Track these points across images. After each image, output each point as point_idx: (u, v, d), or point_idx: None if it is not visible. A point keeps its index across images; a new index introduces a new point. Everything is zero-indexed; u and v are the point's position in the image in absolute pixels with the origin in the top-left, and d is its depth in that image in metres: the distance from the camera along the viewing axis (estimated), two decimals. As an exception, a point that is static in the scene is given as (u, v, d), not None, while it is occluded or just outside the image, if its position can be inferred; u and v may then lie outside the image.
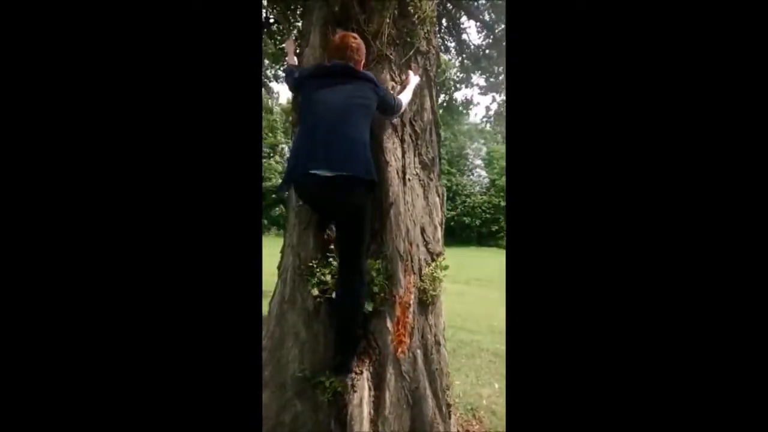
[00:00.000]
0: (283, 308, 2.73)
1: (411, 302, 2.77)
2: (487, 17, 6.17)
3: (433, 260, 3.04)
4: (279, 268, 2.96)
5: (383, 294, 2.70)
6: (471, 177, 33.52)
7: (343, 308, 2.63)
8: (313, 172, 2.38)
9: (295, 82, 2.80)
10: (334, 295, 2.68)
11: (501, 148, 32.66)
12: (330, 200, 2.51)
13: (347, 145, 2.42)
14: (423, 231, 3.05)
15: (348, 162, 2.39)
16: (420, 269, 2.92)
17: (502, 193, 30.67)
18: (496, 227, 29.76)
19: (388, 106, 2.77)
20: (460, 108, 7.54)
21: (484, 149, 35.08)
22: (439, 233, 3.21)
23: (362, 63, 2.80)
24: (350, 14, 3.14)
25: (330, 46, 2.79)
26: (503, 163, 31.49)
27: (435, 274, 2.95)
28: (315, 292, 2.66)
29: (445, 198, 3.39)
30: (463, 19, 6.71)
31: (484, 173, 34.01)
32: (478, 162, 34.71)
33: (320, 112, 2.51)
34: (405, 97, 2.95)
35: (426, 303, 2.88)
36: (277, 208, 25.85)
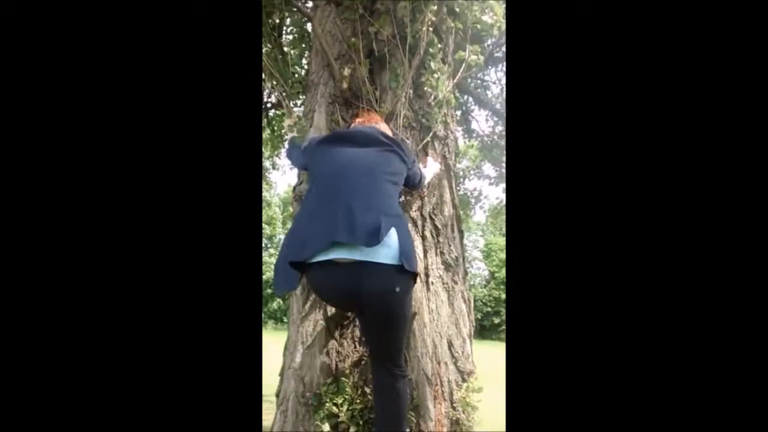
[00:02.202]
0: (283, 450, 2.19)
1: (443, 439, 2.24)
2: (498, 106, 5.96)
3: (464, 380, 2.52)
4: (277, 395, 2.43)
5: (410, 429, 2.17)
6: (470, 270, 33.23)
7: (386, 418, 1.97)
8: (330, 258, 1.82)
9: (304, 150, 2.27)
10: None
11: (499, 241, 32.53)
12: (356, 293, 1.85)
13: (376, 221, 1.80)
14: (450, 345, 2.57)
15: (381, 238, 1.77)
16: (451, 394, 2.40)
17: (502, 286, 30.31)
18: (498, 320, 29.25)
19: (413, 182, 2.27)
20: (472, 201, 7.21)
21: (482, 241, 34.93)
22: (468, 347, 2.70)
23: None
24: (360, 92, 2.76)
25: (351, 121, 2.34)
26: (502, 256, 31.33)
27: (468, 400, 2.42)
28: (325, 427, 2.12)
29: (472, 305, 2.91)
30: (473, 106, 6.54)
31: (483, 266, 33.63)
32: (477, 254, 34.40)
33: (341, 179, 1.95)
34: (427, 174, 2.49)
35: (460, 437, 2.35)
36: (275, 303, 25.11)
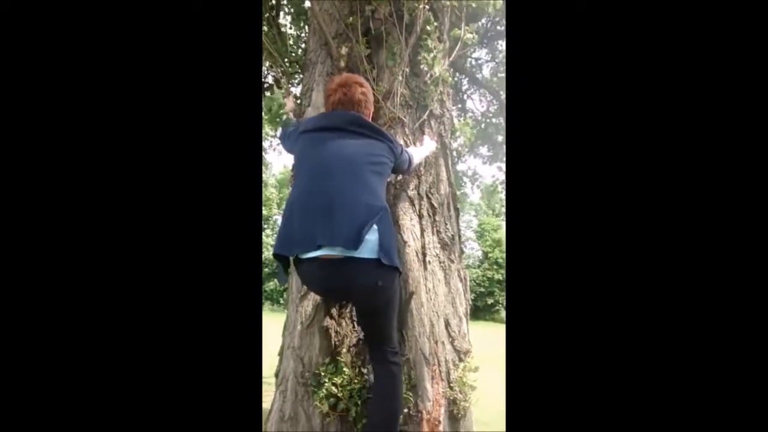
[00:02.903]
0: (282, 430, 2.19)
1: (441, 418, 2.25)
2: (495, 85, 5.92)
3: (460, 360, 2.52)
4: (276, 375, 2.43)
5: (408, 410, 2.18)
6: (464, 250, 33.14)
7: (379, 408, 2.03)
8: (315, 255, 1.85)
9: (290, 137, 2.26)
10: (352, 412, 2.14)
11: (492, 221, 32.53)
12: (342, 288, 1.95)
13: (360, 217, 1.85)
14: (447, 324, 2.56)
15: (361, 240, 1.81)
16: (448, 373, 2.40)
17: (495, 266, 30.37)
18: (492, 301, 29.35)
19: (402, 169, 2.27)
20: (465, 180, 7.20)
21: (475, 221, 34.88)
22: (465, 326, 2.70)
23: (371, 115, 2.29)
24: (358, 71, 2.74)
25: (328, 93, 2.23)
26: (495, 236, 31.36)
27: (465, 380, 2.43)
28: (324, 407, 2.12)
29: (468, 283, 2.91)
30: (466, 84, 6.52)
31: (476, 246, 33.58)
32: (470, 234, 34.33)
33: (322, 173, 1.96)
34: (416, 156, 2.44)
35: (457, 417, 2.35)
36: (270, 283, 25.05)
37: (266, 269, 25.22)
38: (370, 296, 1.96)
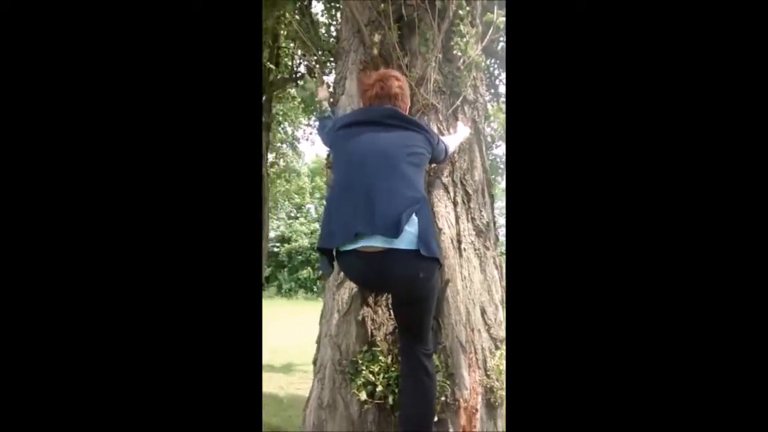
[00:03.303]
0: (321, 417, 2.22)
1: (478, 407, 2.24)
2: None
3: (497, 348, 2.51)
4: (314, 363, 2.46)
5: (444, 398, 2.18)
6: (499, 237, 32.93)
7: (410, 408, 2.02)
8: (356, 247, 1.87)
9: (328, 133, 2.26)
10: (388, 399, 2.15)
11: (527, 206, 32.15)
12: (382, 279, 1.97)
13: (399, 206, 1.85)
14: (483, 312, 2.54)
15: (401, 228, 1.82)
16: (485, 361, 2.39)
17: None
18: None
19: (438, 159, 2.28)
20: (501, 166, 7.09)
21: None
22: (501, 314, 2.68)
23: (408, 108, 2.27)
24: (391, 58, 2.72)
25: (365, 87, 2.23)
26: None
27: (501, 368, 2.42)
28: (362, 395, 2.14)
29: (504, 270, 2.88)
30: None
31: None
32: (503, 221, 33.96)
33: (359, 167, 1.97)
34: (452, 144, 2.43)
35: (494, 405, 2.34)
36: (305, 271, 25.23)
37: (299, 257, 25.44)
38: (408, 287, 1.97)
